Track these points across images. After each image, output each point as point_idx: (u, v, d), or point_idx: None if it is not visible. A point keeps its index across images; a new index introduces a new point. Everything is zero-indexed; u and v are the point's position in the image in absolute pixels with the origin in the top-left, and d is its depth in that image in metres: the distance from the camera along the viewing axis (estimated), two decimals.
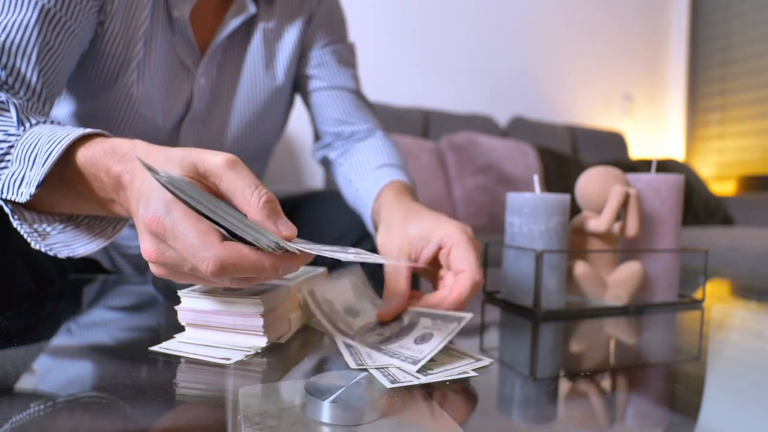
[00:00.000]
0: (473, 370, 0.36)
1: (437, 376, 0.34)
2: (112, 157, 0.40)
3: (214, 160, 0.35)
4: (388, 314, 0.45)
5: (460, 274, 0.46)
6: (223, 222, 0.31)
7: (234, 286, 0.35)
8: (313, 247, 0.34)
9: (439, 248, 0.49)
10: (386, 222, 0.57)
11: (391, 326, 0.43)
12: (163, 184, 0.31)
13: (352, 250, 0.36)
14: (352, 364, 0.36)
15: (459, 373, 0.35)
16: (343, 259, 0.33)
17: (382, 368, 0.35)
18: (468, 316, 0.40)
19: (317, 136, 0.87)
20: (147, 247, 0.34)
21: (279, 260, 0.33)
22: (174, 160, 0.35)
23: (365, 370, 0.35)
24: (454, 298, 0.45)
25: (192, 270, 0.34)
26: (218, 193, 0.35)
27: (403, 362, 0.35)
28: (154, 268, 0.36)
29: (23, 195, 0.43)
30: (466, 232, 0.49)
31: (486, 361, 0.38)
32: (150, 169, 0.31)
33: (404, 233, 0.51)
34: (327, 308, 0.46)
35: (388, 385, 0.32)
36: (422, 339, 0.38)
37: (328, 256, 0.33)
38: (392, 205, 0.60)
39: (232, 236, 0.33)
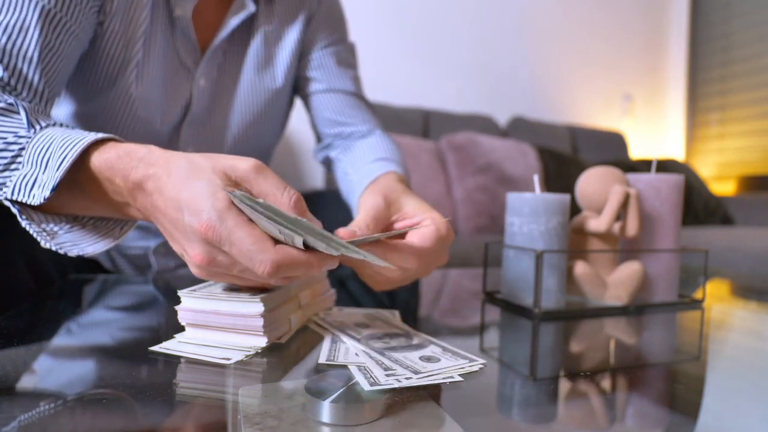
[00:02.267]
0: (460, 375, 0.35)
1: (420, 380, 0.33)
2: (129, 162, 0.41)
3: (244, 167, 0.38)
4: (346, 231, 0.43)
5: (425, 226, 0.47)
6: (298, 233, 0.34)
7: (281, 283, 0.37)
8: (349, 249, 0.36)
9: (417, 224, 0.49)
10: (381, 187, 0.56)
11: (398, 339, 0.43)
12: (248, 205, 0.34)
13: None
14: (321, 359, 0.37)
15: (443, 378, 0.34)
16: (376, 263, 0.35)
17: (363, 368, 0.34)
18: (479, 361, 0.38)
19: (318, 139, 0.87)
20: (198, 253, 0.36)
21: (324, 260, 0.36)
22: (203, 168, 0.37)
23: (334, 366, 0.35)
24: (417, 240, 0.45)
25: (241, 272, 0.37)
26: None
27: (404, 370, 0.35)
28: (196, 270, 0.38)
29: (35, 197, 0.43)
30: (448, 229, 0.48)
31: (476, 365, 0.36)
32: (231, 193, 0.35)
33: (396, 200, 0.51)
34: (337, 328, 0.46)
35: (367, 387, 0.31)
36: (428, 359, 0.37)
37: (368, 259, 0.35)
38: (391, 183, 0.59)
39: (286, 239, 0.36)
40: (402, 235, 0.48)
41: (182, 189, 0.37)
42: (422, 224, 0.48)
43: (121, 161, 0.41)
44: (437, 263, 0.49)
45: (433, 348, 0.40)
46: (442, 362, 0.37)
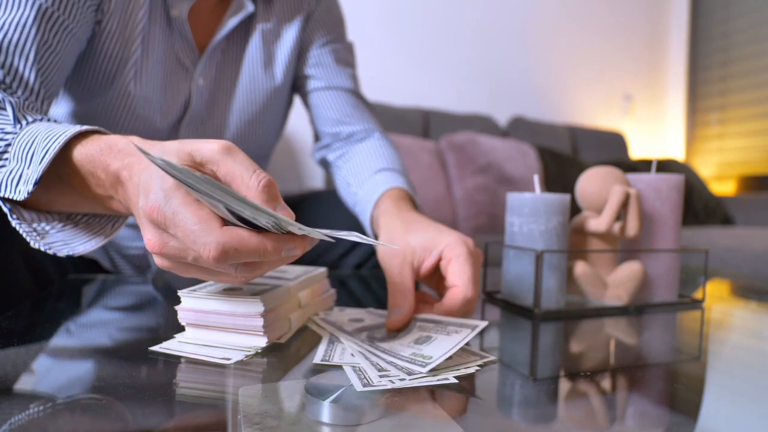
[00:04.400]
0: (455, 377, 0.34)
1: (414, 382, 0.33)
2: (109, 154, 0.40)
3: (210, 147, 0.34)
4: (398, 321, 0.44)
5: (453, 289, 0.46)
6: (222, 201, 0.30)
7: (238, 274, 0.34)
8: (312, 230, 0.33)
9: (440, 258, 0.49)
10: (386, 232, 0.56)
11: (382, 329, 0.43)
12: (161, 168, 0.30)
13: (354, 234, 0.34)
14: (316, 359, 0.37)
15: (438, 380, 0.33)
16: (347, 238, 0.33)
17: (358, 369, 0.34)
18: (482, 324, 0.39)
19: (316, 137, 0.87)
20: (149, 238, 0.34)
21: (282, 242, 0.32)
22: (170, 151, 0.34)
23: (329, 366, 0.35)
24: (444, 311, 0.45)
25: (195, 260, 0.33)
26: (217, 180, 0.34)
27: (409, 364, 0.35)
28: (158, 260, 0.36)
29: (21, 193, 0.43)
30: (466, 243, 0.48)
31: (472, 367, 0.36)
32: (147, 155, 0.30)
33: (406, 243, 0.51)
34: (332, 328, 0.46)
35: (359, 388, 0.30)
36: (423, 341, 0.38)
37: (334, 236, 0.32)
38: (392, 215, 0.60)
39: (239, 222, 0.32)
40: (436, 275, 0.51)
41: (143, 172, 0.35)
42: (446, 259, 0.48)
43: (102, 153, 0.40)
44: (479, 265, 0.49)
45: (421, 325, 0.41)
46: (442, 341, 0.37)
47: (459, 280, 0.46)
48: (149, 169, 0.34)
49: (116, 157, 0.39)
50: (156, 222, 0.33)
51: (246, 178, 0.33)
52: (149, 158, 0.30)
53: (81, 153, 0.41)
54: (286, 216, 0.32)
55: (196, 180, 0.30)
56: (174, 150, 0.34)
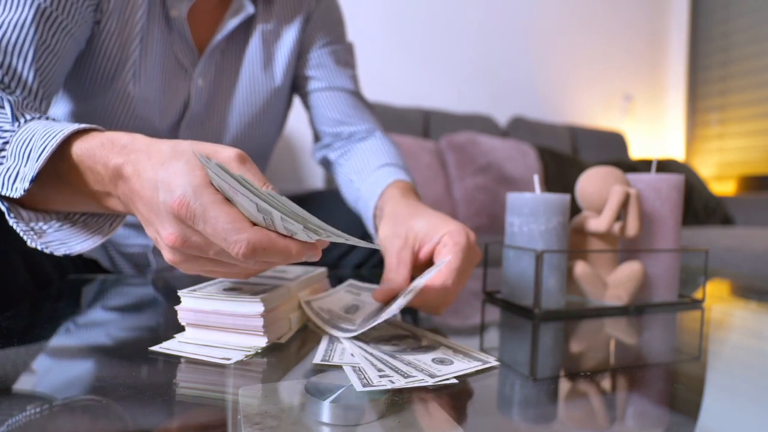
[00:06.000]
0: (456, 377, 0.34)
1: (413, 383, 0.32)
2: (111, 150, 0.40)
3: (227, 153, 0.36)
4: (384, 293, 0.44)
5: (436, 274, 0.46)
6: (276, 208, 0.32)
7: (256, 268, 0.37)
8: (340, 235, 0.34)
9: (438, 244, 0.49)
10: (391, 216, 0.56)
11: (407, 341, 0.42)
12: (211, 170, 0.32)
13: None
14: (316, 359, 0.36)
15: (438, 380, 0.33)
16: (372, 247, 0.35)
17: (357, 369, 0.34)
18: (492, 361, 0.38)
19: (317, 137, 0.87)
20: (171, 232, 0.34)
21: (305, 248, 0.35)
22: (185, 151, 0.36)
23: (330, 366, 0.35)
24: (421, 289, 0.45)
25: (217, 254, 0.35)
26: None
27: (419, 372, 0.34)
28: (169, 255, 0.36)
29: (17, 190, 0.43)
30: (467, 235, 0.48)
31: (490, 364, 0.37)
32: (201, 158, 0.33)
33: (409, 227, 0.50)
34: (326, 315, 0.46)
35: (359, 388, 0.30)
36: (441, 362, 0.37)
37: (352, 243, 0.34)
38: (397, 201, 0.59)
39: (263, 224, 0.34)
40: (431, 262, 0.49)
41: (160, 169, 0.35)
42: (441, 243, 0.48)
43: (104, 149, 0.40)
44: (474, 263, 0.49)
45: (444, 350, 0.40)
46: (456, 365, 0.36)
47: (446, 267, 0.46)
48: (168, 165, 0.35)
49: (119, 152, 0.39)
50: (181, 217, 0.33)
51: None
52: (202, 161, 0.32)
53: (81, 148, 0.41)
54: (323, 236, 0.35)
55: (248, 184, 0.32)
56: (191, 151, 0.36)
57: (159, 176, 0.35)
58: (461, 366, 0.36)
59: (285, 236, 0.34)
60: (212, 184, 0.34)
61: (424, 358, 0.37)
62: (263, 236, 0.33)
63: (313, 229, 0.33)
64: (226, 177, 0.32)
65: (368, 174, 0.74)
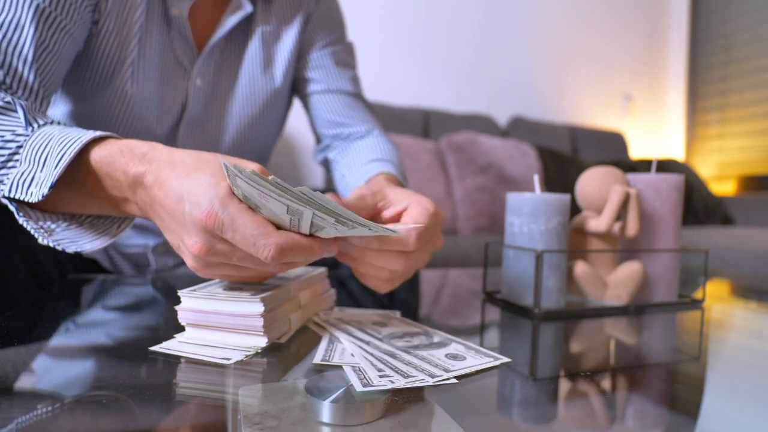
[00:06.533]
0: (456, 377, 0.34)
1: (413, 383, 0.32)
2: (131, 157, 0.41)
3: (252, 167, 0.38)
4: (333, 196, 0.42)
5: (412, 210, 0.45)
6: (308, 207, 0.34)
7: (281, 269, 0.39)
8: (367, 224, 0.36)
9: (405, 210, 0.46)
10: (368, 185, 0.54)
11: (419, 338, 0.42)
12: (248, 180, 0.34)
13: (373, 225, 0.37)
14: (316, 359, 0.37)
15: (439, 380, 0.33)
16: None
17: (358, 369, 0.34)
18: (504, 358, 0.39)
19: (317, 140, 0.87)
20: (196, 242, 0.36)
21: (326, 244, 0.38)
22: (209, 162, 0.38)
23: (330, 366, 0.35)
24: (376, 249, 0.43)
25: (240, 260, 0.37)
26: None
27: (434, 368, 0.35)
28: (192, 262, 0.38)
29: (33, 195, 0.43)
30: (436, 208, 0.46)
31: (501, 361, 0.37)
32: (230, 168, 0.34)
33: (380, 189, 0.49)
34: (348, 327, 0.46)
35: (359, 388, 0.30)
36: (454, 357, 0.38)
37: (379, 233, 0.37)
38: (377, 181, 0.58)
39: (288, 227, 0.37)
40: (394, 221, 0.47)
41: (185, 180, 0.37)
42: (409, 207, 0.46)
43: (123, 156, 0.42)
44: (434, 246, 0.47)
45: (456, 345, 0.41)
46: (469, 360, 0.37)
47: (412, 229, 0.43)
48: (194, 177, 0.37)
49: (139, 161, 0.41)
50: (209, 227, 0.35)
51: None
52: (234, 171, 0.34)
53: (99, 155, 0.43)
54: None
55: (283, 186, 0.34)
56: (216, 163, 0.38)
57: (184, 187, 0.37)
58: (474, 362, 0.37)
59: (307, 236, 0.36)
60: (235, 194, 0.36)
61: (438, 354, 0.38)
62: (288, 238, 0.35)
63: (344, 222, 0.35)
64: (260, 183, 0.34)
65: (358, 168, 0.74)
